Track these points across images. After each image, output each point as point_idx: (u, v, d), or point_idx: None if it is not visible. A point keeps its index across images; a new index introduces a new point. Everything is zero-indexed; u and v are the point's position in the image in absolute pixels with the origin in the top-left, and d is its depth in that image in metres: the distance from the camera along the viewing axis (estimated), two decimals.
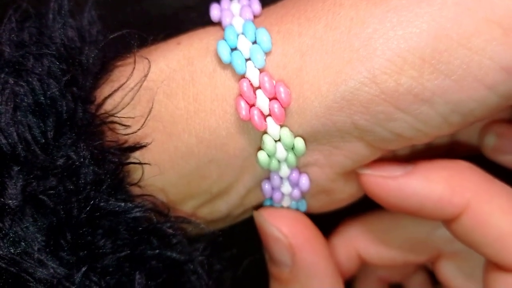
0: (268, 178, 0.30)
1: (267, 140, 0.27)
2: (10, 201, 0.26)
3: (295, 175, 0.29)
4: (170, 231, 0.28)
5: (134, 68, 0.28)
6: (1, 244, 0.26)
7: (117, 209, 0.27)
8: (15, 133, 0.26)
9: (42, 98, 0.27)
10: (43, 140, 0.26)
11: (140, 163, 0.28)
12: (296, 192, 0.30)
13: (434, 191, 0.28)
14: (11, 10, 0.29)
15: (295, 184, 0.29)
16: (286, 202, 0.31)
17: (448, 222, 0.29)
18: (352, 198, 0.31)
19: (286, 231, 0.30)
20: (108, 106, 0.28)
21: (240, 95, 0.27)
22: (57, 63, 0.27)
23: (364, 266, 0.36)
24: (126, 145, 0.28)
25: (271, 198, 0.31)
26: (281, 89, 0.27)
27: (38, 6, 0.29)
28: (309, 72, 0.27)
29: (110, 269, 0.27)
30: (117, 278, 0.27)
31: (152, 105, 0.28)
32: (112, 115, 0.27)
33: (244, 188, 0.30)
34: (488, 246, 0.28)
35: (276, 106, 0.27)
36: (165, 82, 0.28)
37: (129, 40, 0.28)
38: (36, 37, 0.28)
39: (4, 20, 0.28)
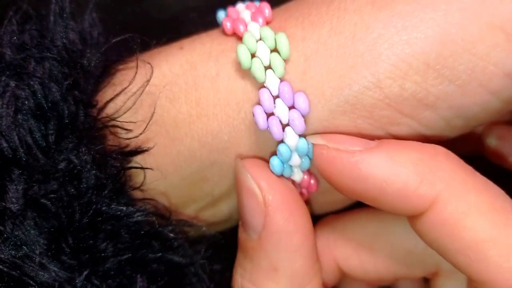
0: None
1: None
2: (11, 205, 0.26)
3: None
4: (172, 234, 0.28)
5: (136, 72, 0.28)
6: (3, 247, 0.26)
7: (119, 213, 0.27)
8: (16, 137, 0.26)
9: (43, 101, 0.27)
10: (44, 144, 0.26)
11: (142, 168, 0.28)
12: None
13: (397, 175, 0.24)
14: (11, 12, 0.28)
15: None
16: None
17: (412, 218, 0.25)
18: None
19: (263, 184, 0.27)
20: (110, 110, 0.28)
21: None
22: (59, 66, 0.27)
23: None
24: (128, 149, 0.28)
25: None
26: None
27: (39, 8, 0.29)
28: (313, 76, 0.27)
29: (112, 273, 0.27)
30: (118, 281, 0.28)
31: (154, 109, 0.28)
32: (114, 119, 0.27)
33: None
34: (458, 254, 0.24)
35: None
36: (168, 87, 0.28)
37: (131, 43, 0.28)
38: (37, 40, 0.28)
39: (4, 22, 0.28)
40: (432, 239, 0.25)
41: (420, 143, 0.25)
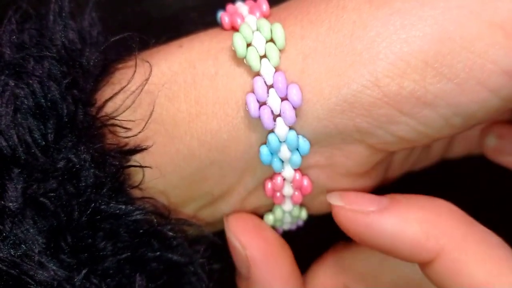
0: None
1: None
2: (10, 204, 0.26)
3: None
4: (171, 233, 0.28)
5: (135, 71, 0.28)
6: (2, 246, 0.26)
7: (118, 211, 0.27)
8: (15, 136, 0.26)
9: (42, 100, 0.27)
10: (44, 143, 0.26)
11: (141, 166, 0.28)
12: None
13: (407, 233, 0.27)
14: (11, 11, 0.28)
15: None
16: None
17: (422, 265, 0.28)
18: None
19: (244, 242, 0.30)
20: (109, 108, 0.28)
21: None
22: (58, 65, 0.27)
23: None
24: (127, 148, 0.28)
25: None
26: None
27: (38, 7, 0.29)
28: (311, 74, 0.27)
29: (111, 271, 0.27)
30: (117, 280, 0.28)
31: (154, 108, 0.28)
32: (113, 118, 0.27)
33: (245, 190, 0.30)
34: None
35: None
36: (167, 85, 0.28)
37: (130, 42, 0.28)
38: (37, 39, 0.28)
39: (4, 21, 0.28)
40: (439, 283, 0.27)
41: (426, 199, 0.28)
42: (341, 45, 0.26)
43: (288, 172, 0.29)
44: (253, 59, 0.27)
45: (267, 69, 0.27)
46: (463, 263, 0.26)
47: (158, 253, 0.28)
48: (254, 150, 0.28)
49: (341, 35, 0.26)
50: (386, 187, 0.32)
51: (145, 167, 0.28)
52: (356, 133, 0.27)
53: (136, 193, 0.28)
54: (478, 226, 0.27)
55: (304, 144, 0.28)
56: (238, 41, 0.27)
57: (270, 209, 0.31)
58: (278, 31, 0.27)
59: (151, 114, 0.28)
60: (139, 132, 0.27)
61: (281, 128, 0.27)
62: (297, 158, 0.28)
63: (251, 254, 0.30)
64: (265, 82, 0.27)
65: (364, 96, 0.26)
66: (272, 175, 0.29)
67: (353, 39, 0.26)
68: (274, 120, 0.27)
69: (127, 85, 0.28)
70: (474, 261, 0.26)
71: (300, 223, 0.32)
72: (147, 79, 0.28)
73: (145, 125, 0.27)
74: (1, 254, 0.26)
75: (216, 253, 0.31)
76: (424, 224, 0.27)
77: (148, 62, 0.28)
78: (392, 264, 0.31)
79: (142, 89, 0.28)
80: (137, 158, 0.28)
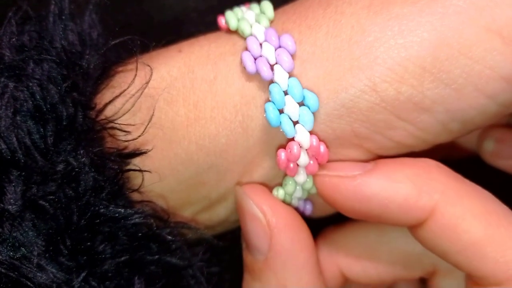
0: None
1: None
2: (9, 206, 0.26)
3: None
4: (170, 237, 0.28)
5: (135, 74, 0.28)
6: (1, 249, 0.26)
7: (117, 215, 0.27)
8: (14, 138, 0.26)
9: (42, 103, 0.27)
10: (43, 146, 0.26)
11: (140, 170, 0.28)
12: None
13: (398, 191, 0.26)
14: (11, 13, 0.28)
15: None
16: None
17: (414, 227, 0.27)
18: None
19: (266, 209, 0.28)
20: (108, 112, 0.28)
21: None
22: (58, 68, 0.27)
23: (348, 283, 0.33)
24: (126, 151, 0.28)
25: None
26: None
27: (38, 8, 0.29)
28: (310, 79, 0.27)
29: (110, 274, 0.27)
30: (116, 283, 0.27)
31: (153, 112, 0.28)
32: (113, 121, 0.27)
33: None
34: (458, 254, 0.26)
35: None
36: (166, 89, 0.28)
37: (131, 45, 0.28)
38: (36, 41, 0.28)
39: (4, 22, 0.28)
40: (434, 245, 0.26)
41: (411, 159, 0.27)
42: (339, 50, 0.26)
43: (303, 135, 0.27)
44: (245, 25, 0.28)
45: (258, 28, 0.27)
46: (460, 218, 0.26)
47: (157, 256, 0.28)
48: (252, 154, 0.28)
49: (339, 40, 0.26)
50: None
51: (145, 171, 0.28)
52: (354, 138, 0.27)
53: (135, 196, 0.28)
54: (468, 182, 0.27)
55: (311, 96, 0.26)
56: (231, 15, 0.28)
57: None
58: (267, 6, 0.28)
59: (151, 118, 0.28)
60: (139, 136, 0.27)
61: (280, 75, 0.26)
62: (308, 115, 0.26)
63: (275, 220, 0.28)
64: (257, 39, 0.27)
65: (362, 101, 0.26)
66: (286, 143, 0.27)
67: (351, 44, 0.26)
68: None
69: (127, 88, 0.28)
70: (470, 215, 0.26)
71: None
72: (147, 83, 0.28)
73: (145, 129, 0.27)
74: (0, 257, 0.26)
75: (215, 256, 0.31)
76: (415, 181, 0.26)
77: (149, 65, 0.28)
78: (387, 240, 0.31)
79: (142, 92, 0.28)
80: (136, 162, 0.28)
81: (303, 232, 0.28)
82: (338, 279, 0.32)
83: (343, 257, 0.32)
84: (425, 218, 0.26)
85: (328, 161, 0.28)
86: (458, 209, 0.26)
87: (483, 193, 0.26)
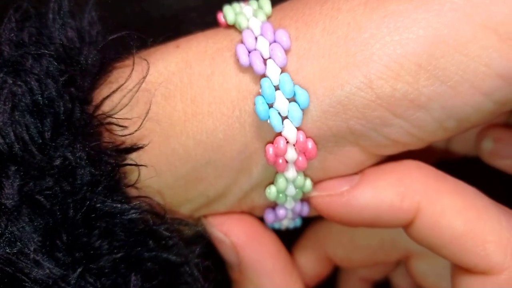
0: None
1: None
2: (6, 201, 0.26)
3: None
4: (166, 233, 0.28)
5: (132, 69, 0.28)
6: None
7: (113, 210, 0.27)
8: (12, 133, 0.26)
9: (40, 98, 0.27)
10: (40, 140, 0.26)
11: (136, 165, 0.28)
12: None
13: (383, 200, 0.28)
14: (11, 10, 0.29)
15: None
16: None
17: (406, 227, 0.28)
18: None
19: (226, 230, 0.31)
20: (106, 107, 0.28)
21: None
22: (56, 63, 0.27)
23: (342, 268, 0.36)
24: (123, 146, 0.28)
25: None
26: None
27: (39, 6, 0.29)
28: (305, 75, 0.27)
29: (106, 270, 0.27)
30: (112, 279, 0.27)
31: (150, 106, 0.28)
32: (110, 116, 0.27)
33: (241, 190, 0.30)
34: (444, 248, 0.27)
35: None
36: (163, 84, 0.28)
37: (129, 41, 0.28)
38: (36, 37, 0.28)
39: (4, 19, 0.28)
40: (423, 241, 0.28)
41: (393, 164, 0.28)
42: (335, 46, 0.26)
43: (290, 130, 0.27)
44: (242, 18, 0.28)
45: (255, 22, 0.28)
46: (441, 216, 0.27)
47: (153, 252, 0.28)
48: (249, 149, 0.28)
49: (335, 37, 0.26)
50: None
51: (141, 165, 0.28)
52: (350, 136, 0.27)
53: (132, 192, 0.28)
54: (450, 178, 0.28)
55: (302, 93, 0.26)
56: (229, 8, 0.29)
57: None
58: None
59: (147, 112, 0.28)
60: (136, 131, 0.27)
61: (272, 69, 0.27)
62: (297, 111, 0.26)
63: (235, 238, 0.30)
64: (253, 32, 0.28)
65: (357, 98, 0.26)
66: (273, 139, 0.27)
67: (347, 41, 0.26)
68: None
69: (124, 83, 0.28)
70: (450, 212, 0.27)
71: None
72: (144, 77, 0.28)
73: (141, 123, 0.27)
74: None
75: (212, 253, 0.31)
76: (397, 187, 0.28)
77: (146, 60, 0.28)
78: (366, 228, 0.31)
79: (139, 87, 0.28)
80: (133, 157, 0.28)
81: (266, 240, 0.31)
82: (327, 264, 0.35)
83: (328, 243, 0.35)
84: (412, 219, 0.28)
85: (326, 164, 0.28)
86: (438, 207, 0.27)
87: (463, 189, 0.28)
